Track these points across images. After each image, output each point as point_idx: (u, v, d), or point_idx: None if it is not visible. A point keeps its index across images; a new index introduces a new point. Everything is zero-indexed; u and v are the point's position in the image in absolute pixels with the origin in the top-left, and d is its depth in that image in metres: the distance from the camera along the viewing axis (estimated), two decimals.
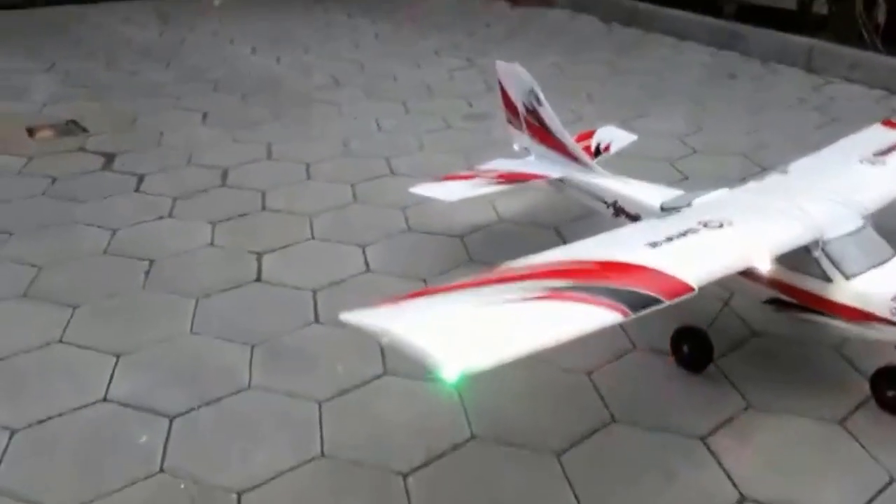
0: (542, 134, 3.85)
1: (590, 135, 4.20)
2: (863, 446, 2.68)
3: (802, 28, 7.33)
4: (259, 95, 6.88)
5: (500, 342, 1.89)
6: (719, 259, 2.47)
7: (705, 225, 2.66)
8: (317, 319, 3.53)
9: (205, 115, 6.37)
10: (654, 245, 2.46)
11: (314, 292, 3.71)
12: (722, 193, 3.10)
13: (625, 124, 5.75)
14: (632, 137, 4.25)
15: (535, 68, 4.19)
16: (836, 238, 2.69)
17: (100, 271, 3.97)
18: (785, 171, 3.25)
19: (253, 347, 3.29)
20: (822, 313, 2.73)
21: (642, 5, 8.84)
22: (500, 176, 3.85)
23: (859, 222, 2.78)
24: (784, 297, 2.82)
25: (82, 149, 5.64)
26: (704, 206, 2.96)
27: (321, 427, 2.83)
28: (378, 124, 6.15)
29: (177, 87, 7.15)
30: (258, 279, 3.88)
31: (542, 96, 3.76)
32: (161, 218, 4.56)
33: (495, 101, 4.33)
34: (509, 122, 4.08)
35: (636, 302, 2.09)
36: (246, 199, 4.79)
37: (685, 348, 3.07)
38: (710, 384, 3.01)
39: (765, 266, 2.58)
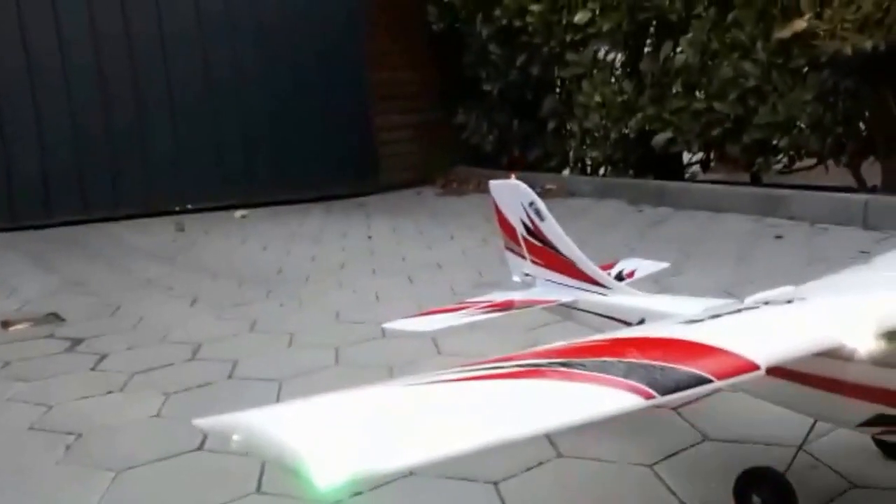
0: (548, 256, 3.15)
1: (611, 265, 3.50)
2: None
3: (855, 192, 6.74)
4: (258, 281, 6.44)
5: (419, 438, 1.16)
6: (797, 333, 1.68)
7: (766, 303, 1.89)
8: (259, 489, 2.69)
9: (194, 300, 5.91)
10: (691, 322, 1.69)
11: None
12: (783, 290, 2.31)
13: (658, 282, 5.12)
14: (662, 265, 3.54)
15: None
16: None
17: (16, 446, 3.32)
18: (868, 262, 2.46)
19: None
20: None
21: (668, 184, 8.39)
22: (490, 305, 3.11)
23: None
24: (891, 410, 1.93)
25: (51, 336, 5.14)
26: (765, 297, 2.17)
27: None
28: (377, 296, 5.57)
29: (173, 278, 6.79)
30: (200, 448, 3.10)
31: (544, 209, 3.10)
32: (110, 392, 3.91)
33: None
34: (508, 248, 3.39)
35: (668, 381, 1.37)
36: (213, 370, 4.14)
37: (756, 500, 2.12)
38: None
39: (864, 344, 1.74)
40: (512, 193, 3.22)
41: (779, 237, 6.29)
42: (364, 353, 4.19)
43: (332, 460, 1.03)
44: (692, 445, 2.74)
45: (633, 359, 1.41)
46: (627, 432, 2.85)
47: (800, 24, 5.91)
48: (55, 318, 5.59)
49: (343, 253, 7.55)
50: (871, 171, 7.07)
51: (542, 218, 3.12)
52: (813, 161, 7.41)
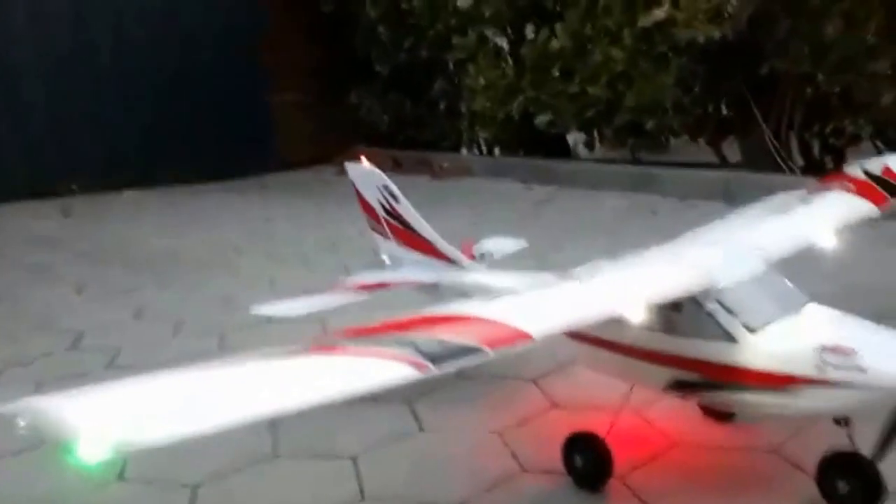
0: (408, 236, 3.33)
1: (471, 243, 3.69)
2: None
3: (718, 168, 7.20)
4: (148, 266, 6.36)
5: (191, 413, 1.35)
6: (574, 307, 1.92)
7: (569, 279, 2.12)
8: (121, 476, 2.77)
9: (81, 288, 5.82)
10: (491, 300, 1.90)
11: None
12: (603, 261, 2.56)
13: (542, 259, 5.38)
14: (521, 243, 3.77)
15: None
16: (732, 285, 2.14)
17: None
18: (681, 235, 2.74)
19: None
20: (732, 388, 2.09)
21: (554, 163, 8.73)
22: (362, 286, 3.27)
23: (762, 267, 2.25)
24: (685, 375, 2.19)
25: None
26: (581, 272, 2.40)
27: None
28: (270, 280, 5.63)
29: (59, 265, 6.65)
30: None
31: (397, 192, 3.28)
32: None
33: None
34: (373, 230, 3.55)
35: (443, 353, 1.58)
36: (93, 359, 4.16)
37: (578, 460, 2.37)
38: (610, 502, 2.29)
39: (636, 315, 1.99)
40: (367, 177, 3.38)
41: (654, 212, 6.66)
42: (249, 338, 4.18)
43: (96, 437, 1.19)
44: (542, 413, 2.98)
45: (418, 334, 1.61)
46: (490, 403, 3.08)
47: (659, 14, 6.26)
48: None
49: (239, 235, 7.49)
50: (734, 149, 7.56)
51: (396, 200, 3.29)
52: (686, 139, 7.85)
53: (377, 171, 3.31)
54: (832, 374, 1.92)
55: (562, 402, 3.03)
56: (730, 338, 2.08)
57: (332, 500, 2.47)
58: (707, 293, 2.11)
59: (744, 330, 2.07)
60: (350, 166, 3.46)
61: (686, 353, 2.17)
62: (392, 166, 10.97)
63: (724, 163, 7.35)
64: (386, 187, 3.25)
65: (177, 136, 11.24)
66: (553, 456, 2.43)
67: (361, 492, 2.51)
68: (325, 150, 11.83)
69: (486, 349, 1.61)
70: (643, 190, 7.31)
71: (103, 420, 1.24)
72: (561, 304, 1.94)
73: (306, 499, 2.49)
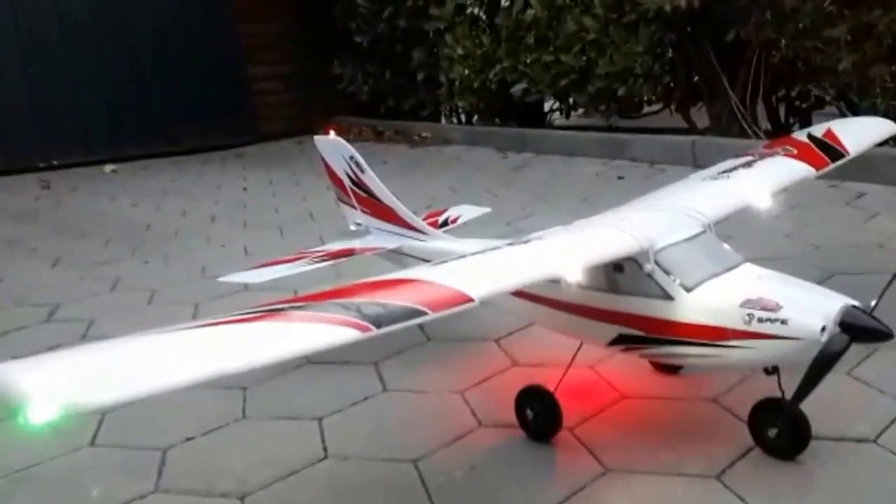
0: (373, 206, 3.42)
1: (440, 212, 3.81)
2: (742, 500, 2.10)
3: (688, 134, 7.30)
4: (125, 239, 6.42)
5: (138, 375, 1.39)
6: (515, 270, 2.02)
7: (510, 244, 2.22)
8: (93, 442, 2.86)
9: (56, 261, 5.87)
10: (438, 264, 1.99)
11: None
12: (556, 228, 2.66)
13: (512, 225, 5.49)
14: (485, 210, 3.88)
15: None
16: (669, 245, 2.25)
17: None
18: (628, 202, 2.84)
19: None
20: (672, 342, 2.21)
21: (529, 131, 8.81)
22: (327, 254, 3.36)
23: (698, 229, 2.35)
24: (628, 331, 2.31)
25: None
26: (533, 237, 2.50)
27: None
28: (246, 249, 5.71)
29: (36, 239, 6.68)
30: None
31: (363, 162, 3.37)
32: None
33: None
34: (340, 200, 3.64)
35: (385, 316, 1.64)
36: (68, 331, 4.21)
37: (529, 413, 2.49)
38: (560, 454, 2.42)
39: (574, 275, 2.10)
40: (334, 148, 3.46)
41: (621, 178, 6.77)
42: (223, 307, 4.19)
43: (45, 399, 1.23)
44: (502, 371, 3.09)
45: (362, 299, 1.68)
46: (452, 364, 3.18)
47: None
48: None
49: (215, 206, 7.58)
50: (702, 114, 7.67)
51: (362, 170, 3.38)
52: (660, 106, 7.93)
53: (344, 142, 3.39)
54: (757, 327, 2.04)
55: (522, 360, 3.15)
56: (667, 296, 2.19)
57: (297, 459, 2.56)
58: (646, 255, 2.21)
59: (680, 288, 2.18)
60: (318, 139, 3.53)
61: (628, 311, 2.28)
62: (373, 136, 11.04)
63: (693, 129, 7.46)
64: (352, 157, 3.34)
65: (155, 109, 11.23)
66: (509, 411, 2.54)
67: (325, 450, 2.61)
68: (305, 121, 11.87)
69: (427, 311, 1.67)
70: (615, 156, 7.42)
71: (52, 382, 1.29)
72: (502, 267, 2.02)
73: (271, 458, 2.58)
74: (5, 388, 1.26)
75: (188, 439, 2.76)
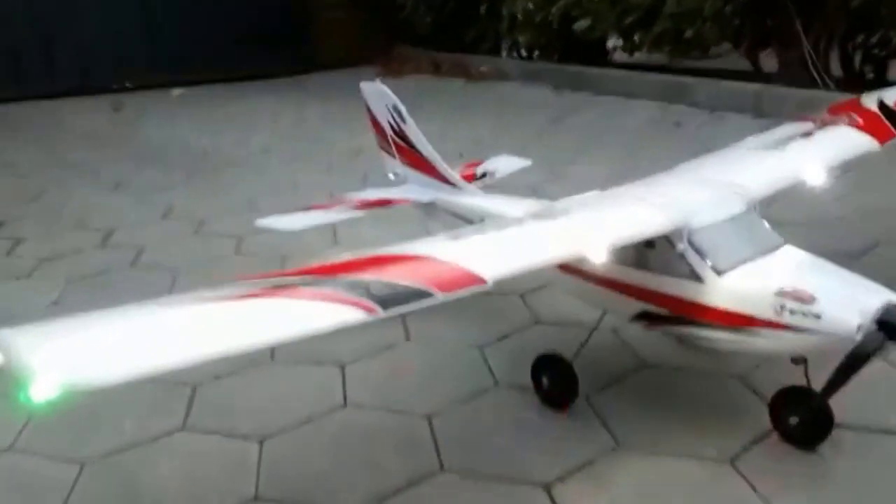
0: (412, 156, 3.39)
1: (478, 163, 3.76)
2: (753, 488, 2.07)
3: (754, 81, 6.98)
4: (182, 166, 6.57)
5: (138, 353, 1.39)
6: (535, 249, 1.95)
7: (535, 217, 2.17)
8: None
9: (117, 185, 6.08)
10: (457, 238, 1.95)
11: None
12: (591, 194, 2.60)
13: (553, 170, 5.40)
14: (525, 163, 3.81)
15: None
16: (705, 226, 2.15)
17: None
18: (670, 169, 2.74)
19: None
20: (696, 324, 2.17)
21: (587, 69, 8.56)
22: (363, 203, 3.37)
23: (739, 208, 2.24)
24: (653, 308, 2.26)
25: None
26: (564, 205, 2.45)
27: None
28: (294, 182, 5.78)
29: (101, 162, 6.89)
30: None
31: (405, 112, 3.32)
32: (17, 279, 4.13)
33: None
34: (381, 148, 3.62)
35: (392, 297, 1.61)
36: (119, 257, 4.38)
37: (545, 381, 2.49)
38: (573, 423, 2.42)
39: (599, 257, 2.04)
40: (379, 96, 3.42)
41: (677, 124, 6.56)
42: (265, 242, 4.31)
43: (47, 377, 1.23)
44: (524, 328, 3.09)
45: (371, 276, 1.65)
46: (477, 317, 3.17)
47: None
48: None
49: (270, 136, 7.65)
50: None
51: (404, 120, 3.34)
52: (727, 48, 7.59)
53: (388, 91, 3.35)
54: (788, 319, 1.96)
55: (545, 318, 3.14)
56: (697, 278, 2.12)
57: (317, 405, 2.63)
58: (679, 233, 2.13)
59: (711, 271, 2.10)
60: (364, 85, 3.49)
61: (655, 288, 2.22)
62: (431, 69, 10.88)
63: (759, 74, 7.13)
64: (395, 107, 3.30)
65: (219, 35, 11.34)
66: (526, 372, 2.54)
67: (345, 398, 2.68)
68: (366, 50, 11.77)
69: (437, 292, 1.64)
70: (674, 100, 7.16)
71: (57, 359, 1.30)
72: (522, 245, 1.96)
73: (293, 403, 2.66)
74: (14, 360, 1.27)
75: (216, 378, 2.85)
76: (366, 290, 1.59)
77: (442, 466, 2.26)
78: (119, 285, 3.93)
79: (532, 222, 2.11)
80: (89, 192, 5.89)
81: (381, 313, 1.57)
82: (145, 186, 5.94)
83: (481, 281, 1.72)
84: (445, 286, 1.67)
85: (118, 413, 2.66)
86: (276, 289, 1.60)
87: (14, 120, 9.34)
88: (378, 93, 3.43)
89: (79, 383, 1.27)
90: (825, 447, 2.19)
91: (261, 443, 2.46)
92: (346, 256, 1.78)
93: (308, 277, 1.65)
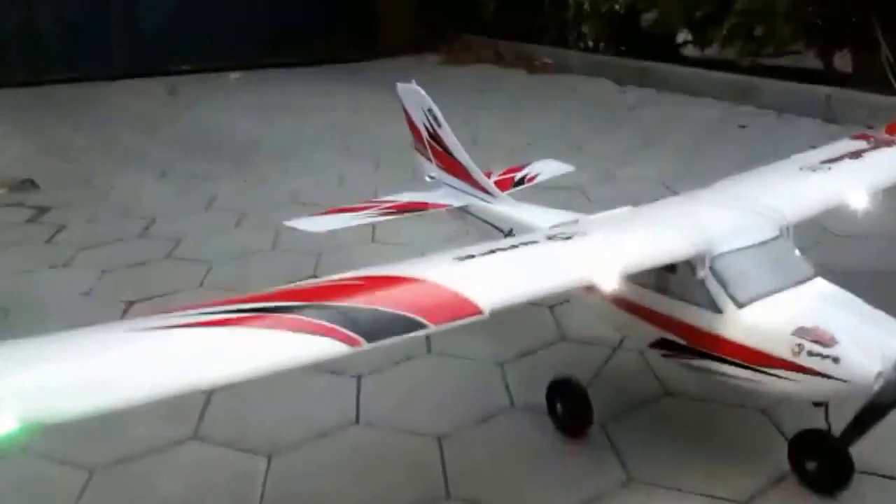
0: (447, 160, 3.29)
1: (519, 168, 3.63)
2: None
3: (826, 82, 6.63)
4: (230, 155, 6.54)
5: (105, 388, 1.31)
6: (540, 274, 1.82)
7: (551, 238, 2.03)
8: None
9: (164, 173, 6.08)
10: (462, 259, 1.83)
11: None
12: (620, 211, 2.46)
13: (605, 171, 5.23)
14: (567, 168, 3.67)
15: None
16: (729, 252, 2.00)
17: None
18: (710, 186, 2.58)
19: None
20: (711, 357, 2.01)
21: (653, 65, 8.30)
22: (394, 206, 3.28)
23: (770, 233, 2.07)
24: (671, 336, 2.12)
25: (21, 204, 5.35)
26: (585, 223, 2.32)
27: None
28: (340, 178, 5.71)
29: (150, 148, 6.93)
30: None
31: (440, 117, 3.22)
32: (52, 267, 4.15)
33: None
34: (417, 150, 3.52)
35: (380, 327, 1.50)
36: (156, 248, 4.38)
37: (559, 406, 2.37)
38: (586, 453, 2.29)
39: (609, 284, 1.89)
40: (415, 98, 3.32)
41: (742, 127, 6.28)
42: (302, 238, 4.11)
43: (5, 412, 1.16)
44: (549, 345, 2.96)
45: (358, 302, 1.53)
46: (501, 330, 3.04)
47: None
48: (31, 184, 5.79)
49: (323, 127, 7.55)
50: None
51: (439, 124, 3.23)
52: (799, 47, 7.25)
53: (424, 93, 3.25)
54: (805, 361, 1.80)
55: (571, 335, 3.01)
56: (716, 308, 1.97)
57: (329, 420, 2.56)
58: (702, 259, 1.98)
59: (730, 302, 1.94)
60: (401, 86, 3.40)
61: (673, 315, 2.09)
62: (493, 58, 10.73)
63: (832, 76, 6.77)
64: (431, 110, 3.20)
65: (279, 18, 11.31)
66: (543, 394, 2.43)
67: (358, 414, 2.59)
68: (428, 38, 11.66)
69: (427, 323, 1.52)
70: (740, 100, 6.88)
71: (11, 394, 1.23)
72: (527, 269, 1.82)
73: (305, 415, 2.58)
74: None
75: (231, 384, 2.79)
76: (348, 319, 1.48)
77: (448, 494, 2.16)
78: (152, 277, 3.92)
79: (545, 243, 1.97)
80: (136, 179, 5.91)
81: (364, 346, 1.46)
82: (191, 175, 5.93)
83: (478, 311, 1.60)
84: (437, 316, 1.55)
85: (131, 420, 2.60)
86: (250, 317, 1.48)
87: (68, 102, 9.40)
88: (414, 94, 3.33)
89: (40, 418, 1.20)
90: (846, 495, 2.02)
91: (269, 458, 2.40)
92: (334, 277, 1.69)
93: (286, 303, 1.54)
